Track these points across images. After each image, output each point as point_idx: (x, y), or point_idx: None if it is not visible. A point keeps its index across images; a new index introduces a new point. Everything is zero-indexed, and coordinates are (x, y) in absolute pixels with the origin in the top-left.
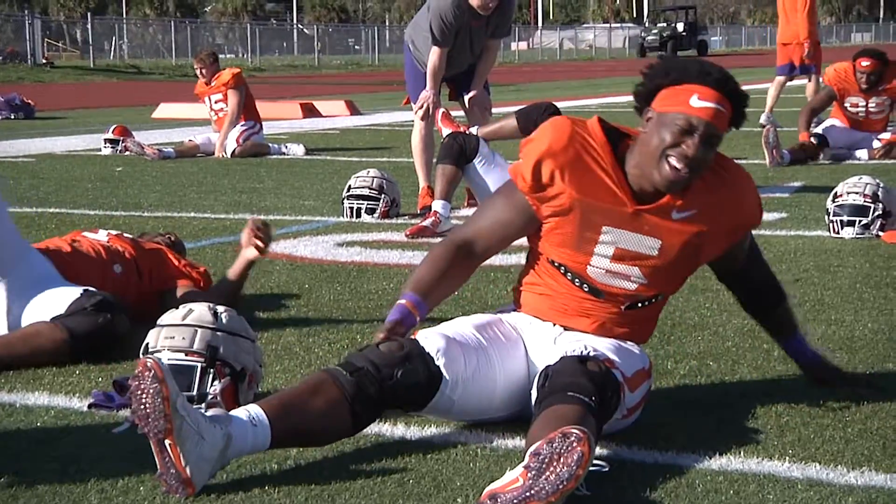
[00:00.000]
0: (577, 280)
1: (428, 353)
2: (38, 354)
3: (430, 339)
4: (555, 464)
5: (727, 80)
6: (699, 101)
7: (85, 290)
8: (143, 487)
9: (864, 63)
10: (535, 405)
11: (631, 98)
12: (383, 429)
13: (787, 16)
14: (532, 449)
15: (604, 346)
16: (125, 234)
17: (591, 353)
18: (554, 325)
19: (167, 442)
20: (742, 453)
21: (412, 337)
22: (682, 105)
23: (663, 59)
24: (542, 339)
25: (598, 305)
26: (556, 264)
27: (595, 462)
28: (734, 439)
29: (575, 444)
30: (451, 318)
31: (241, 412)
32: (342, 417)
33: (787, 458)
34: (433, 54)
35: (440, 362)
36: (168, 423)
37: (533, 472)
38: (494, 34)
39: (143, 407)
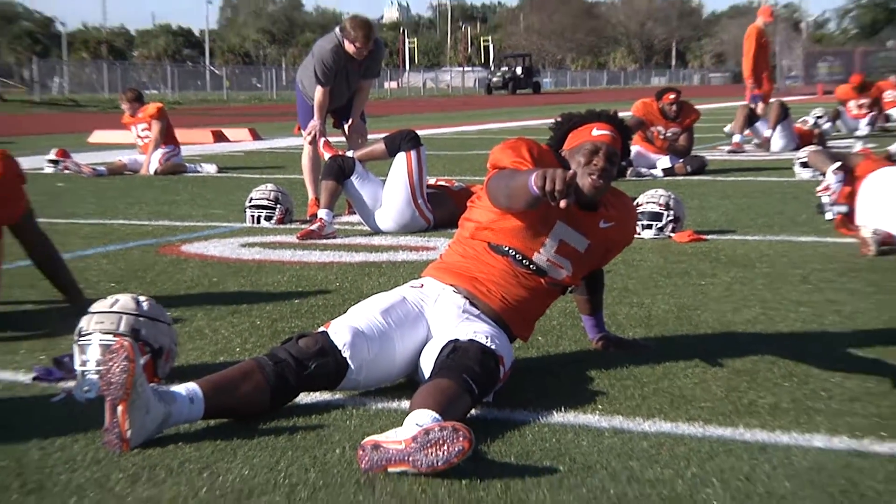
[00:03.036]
0: (524, 260)
1: (337, 347)
2: None
3: (339, 333)
4: (438, 447)
5: (615, 118)
6: (598, 131)
7: None
8: (76, 445)
9: (671, 96)
10: (434, 367)
11: (480, 127)
12: None
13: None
14: (424, 424)
15: (497, 337)
16: None
17: (494, 349)
18: (457, 290)
19: (119, 408)
20: (562, 409)
21: (323, 329)
22: (587, 136)
23: (565, 113)
24: (447, 312)
25: (517, 276)
26: (504, 249)
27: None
28: (556, 398)
29: (460, 441)
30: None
31: (182, 389)
32: (262, 399)
33: (597, 412)
34: (318, 92)
35: (346, 354)
36: (125, 395)
37: (417, 445)
38: (366, 75)
39: (109, 375)
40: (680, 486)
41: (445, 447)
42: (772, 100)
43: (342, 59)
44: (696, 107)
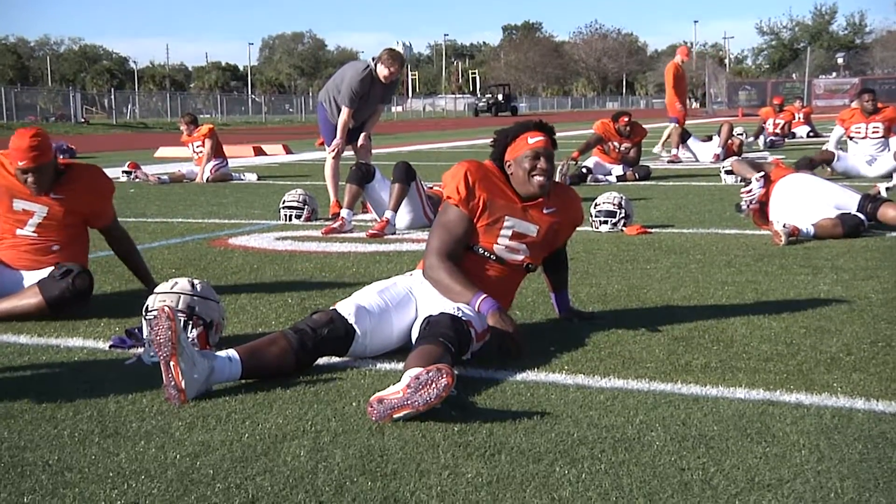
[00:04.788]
0: (486, 253)
1: (344, 317)
2: (23, 311)
3: (345, 307)
4: (428, 386)
5: (542, 124)
6: (533, 139)
7: (56, 265)
8: (144, 399)
9: (625, 119)
10: (416, 340)
11: (469, 142)
12: None
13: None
14: (414, 373)
15: (469, 309)
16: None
17: (461, 315)
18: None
19: (171, 363)
20: (535, 369)
21: (333, 307)
22: (525, 145)
23: (499, 130)
24: (430, 295)
25: (484, 264)
26: (469, 246)
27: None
28: (530, 361)
29: (444, 377)
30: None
31: (222, 353)
32: (288, 361)
33: (563, 371)
34: (344, 113)
35: (352, 321)
36: (173, 349)
37: (411, 390)
38: (382, 100)
39: (157, 337)
40: (630, 430)
41: (434, 385)
42: (672, 126)
43: (368, 84)
44: (661, 125)
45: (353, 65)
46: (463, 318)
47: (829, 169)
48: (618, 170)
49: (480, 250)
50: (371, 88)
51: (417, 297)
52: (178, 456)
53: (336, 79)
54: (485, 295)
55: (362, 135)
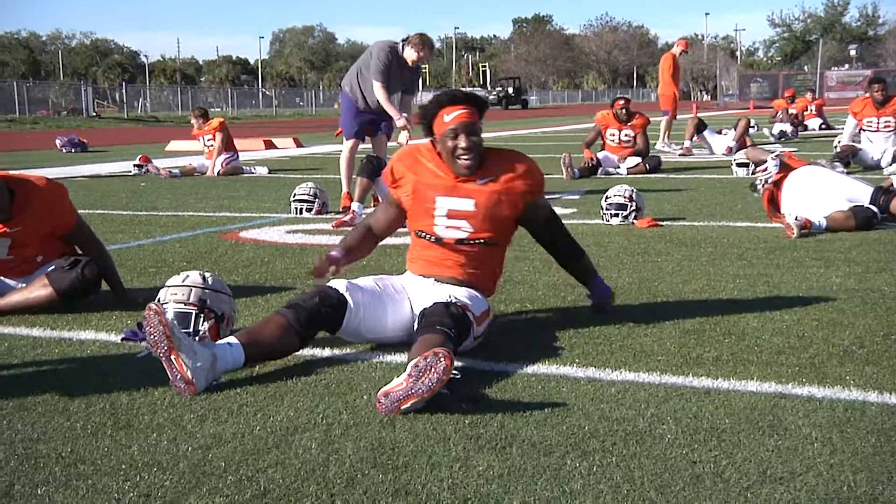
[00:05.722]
0: (430, 237)
1: (335, 289)
2: (34, 304)
3: (337, 282)
4: (428, 372)
5: (456, 93)
6: (448, 115)
7: (64, 256)
8: (156, 392)
9: (621, 102)
10: (415, 334)
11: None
12: (315, 352)
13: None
14: (413, 362)
15: (462, 294)
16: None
17: (453, 301)
18: (426, 278)
19: (172, 357)
20: (546, 362)
21: (328, 284)
22: (442, 125)
23: (420, 107)
24: (421, 291)
25: (446, 251)
26: (417, 233)
27: (452, 371)
28: (541, 354)
29: (442, 360)
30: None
31: (220, 341)
32: (290, 335)
33: (574, 364)
34: (377, 87)
35: (344, 292)
36: (170, 343)
37: (413, 378)
38: (407, 89)
39: (152, 336)
40: (641, 423)
41: (433, 370)
42: (691, 115)
43: (394, 62)
44: (652, 118)
45: (379, 42)
46: (457, 303)
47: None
48: (629, 161)
49: (423, 234)
50: (397, 67)
51: (410, 296)
52: (189, 448)
53: (361, 62)
54: (338, 248)
55: (384, 127)
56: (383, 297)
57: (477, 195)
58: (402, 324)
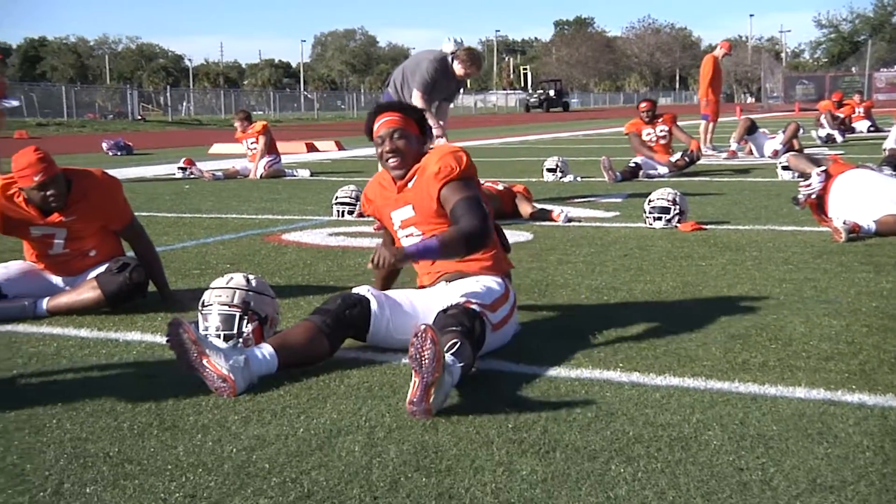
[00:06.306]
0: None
1: (357, 293)
2: (83, 305)
3: (359, 288)
4: (421, 354)
5: (382, 104)
6: (376, 124)
7: (114, 259)
8: (201, 393)
9: (643, 104)
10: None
11: (520, 138)
12: (357, 355)
13: (701, 81)
14: (408, 358)
15: (474, 287)
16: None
17: (451, 304)
18: (436, 283)
19: (204, 361)
20: (589, 367)
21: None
22: (374, 134)
23: (368, 114)
24: (437, 296)
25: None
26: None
27: (465, 364)
28: (585, 359)
29: (422, 335)
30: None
31: (251, 348)
32: (319, 339)
33: (618, 369)
34: (416, 96)
35: (363, 293)
36: (198, 348)
37: (415, 369)
38: (449, 99)
39: (179, 349)
40: (686, 428)
41: (422, 349)
42: (742, 116)
43: (440, 73)
44: (695, 122)
45: (430, 51)
46: (470, 298)
47: None
48: (674, 156)
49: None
50: (443, 79)
51: (431, 301)
52: (234, 449)
53: (408, 67)
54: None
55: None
56: (409, 300)
57: (412, 199)
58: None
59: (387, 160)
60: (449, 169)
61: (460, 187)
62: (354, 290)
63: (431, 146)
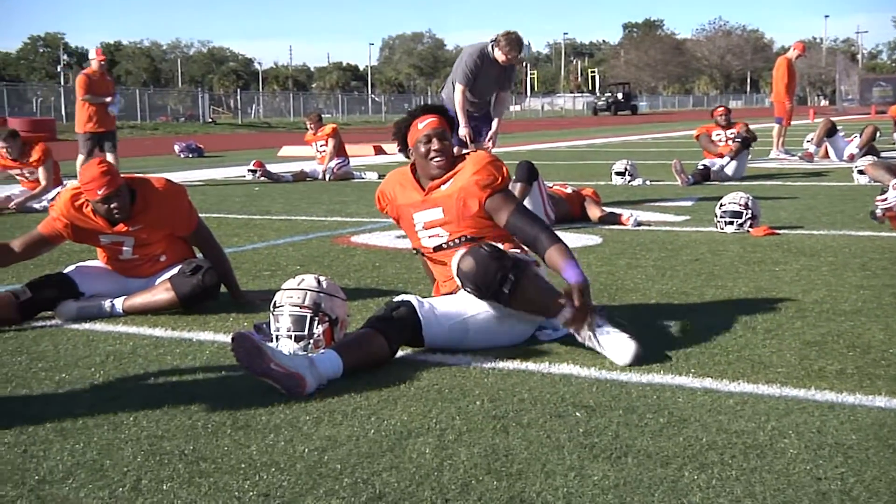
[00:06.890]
0: (419, 253)
1: (398, 300)
2: (157, 306)
3: (399, 297)
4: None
5: (428, 106)
6: (422, 123)
7: (186, 261)
8: (273, 393)
9: (720, 109)
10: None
11: (588, 141)
12: (427, 357)
13: (774, 84)
14: None
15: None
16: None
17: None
18: (458, 290)
19: (272, 365)
20: (661, 372)
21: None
22: (416, 132)
23: (395, 122)
24: (467, 299)
25: (441, 259)
26: (415, 252)
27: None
28: (656, 363)
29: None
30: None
31: (317, 353)
32: (378, 340)
33: (690, 374)
34: (457, 90)
35: (407, 299)
36: (262, 355)
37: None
38: (503, 86)
39: (246, 360)
40: (761, 436)
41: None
42: (820, 118)
43: (484, 64)
44: (767, 125)
45: (471, 45)
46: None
47: None
48: (724, 162)
49: (419, 252)
50: (486, 67)
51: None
52: (306, 449)
53: (455, 63)
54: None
55: (494, 124)
56: (444, 301)
57: (443, 202)
58: (486, 328)
59: (432, 159)
60: (492, 178)
61: (507, 198)
62: (396, 298)
63: (466, 151)
